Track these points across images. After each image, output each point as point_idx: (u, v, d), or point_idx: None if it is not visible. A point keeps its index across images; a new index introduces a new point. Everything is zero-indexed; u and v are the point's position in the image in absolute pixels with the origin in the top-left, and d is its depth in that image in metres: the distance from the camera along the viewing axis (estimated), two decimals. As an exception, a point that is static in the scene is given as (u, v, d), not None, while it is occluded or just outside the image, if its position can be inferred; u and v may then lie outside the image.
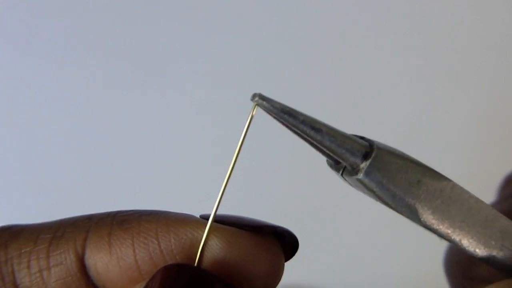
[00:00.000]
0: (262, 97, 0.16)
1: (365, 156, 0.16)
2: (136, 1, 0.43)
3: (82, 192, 0.45)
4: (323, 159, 0.18)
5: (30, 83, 0.44)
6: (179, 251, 0.17)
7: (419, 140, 0.42)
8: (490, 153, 0.43)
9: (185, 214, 0.17)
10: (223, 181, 0.17)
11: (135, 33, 0.43)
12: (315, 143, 0.16)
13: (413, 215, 0.17)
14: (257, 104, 0.16)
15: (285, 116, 0.16)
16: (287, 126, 0.17)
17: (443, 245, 0.43)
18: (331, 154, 0.17)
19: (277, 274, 0.17)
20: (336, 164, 0.18)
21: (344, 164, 0.17)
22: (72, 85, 0.44)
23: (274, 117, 0.16)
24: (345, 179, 0.18)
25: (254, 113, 0.16)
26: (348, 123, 0.41)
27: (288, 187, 0.43)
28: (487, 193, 0.42)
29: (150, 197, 0.43)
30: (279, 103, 0.16)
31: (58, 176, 0.45)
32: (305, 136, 0.17)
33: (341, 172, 0.17)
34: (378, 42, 0.42)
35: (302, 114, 0.16)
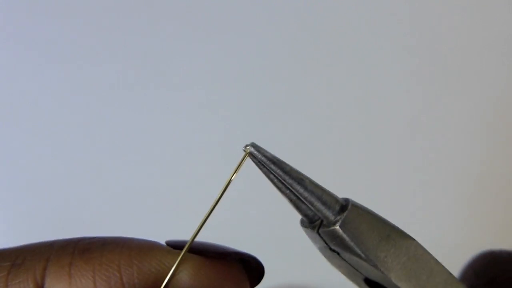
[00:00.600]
0: (254, 146, 0.18)
1: (341, 210, 0.18)
2: (138, 1, 0.43)
3: (81, 191, 0.42)
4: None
5: (30, 82, 0.43)
6: (143, 284, 0.16)
7: (418, 141, 0.42)
8: (490, 154, 0.42)
9: (151, 242, 0.17)
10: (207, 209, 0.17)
11: (134, 33, 0.43)
12: (296, 195, 0.18)
13: (384, 269, 0.18)
14: (249, 153, 0.18)
15: (273, 166, 0.18)
16: (271, 178, 0.18)
17: (443, 246, 0.37)
18: (309, 206, 0.18)
19: None
20: (310, 223, 0.19)
21: (320, 217, 0.18)
22: (70, 85, 0.43)
23: (261, 168, 0.18)
24: (319, 238, 0.19)
25: (243, 162, 0.18)
26: (347, 124, 0.41)
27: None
28: (487, 194, 0.41)
29: (148, 196, 0.41)
30: (270, 153, 0.18)
31: (57, 176, 0.43)
32: (287, 188, 0.18)
33: (317, 228, 0.19)
34: (377, 42, 0.43)
35: (288, 166, 0.18)
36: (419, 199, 0.43)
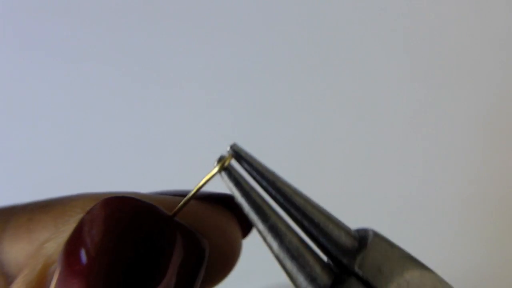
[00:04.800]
0: (237, 155, 0.12)
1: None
2: (139, 1, 0.43)
3: (82, 189, 0.40)
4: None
5: (31, 82, 0.43)
6: None
7: (416, 141, 0.42)
8: (489, 155, 0.42)
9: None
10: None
11: (135, 33, 0.43)
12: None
13: None
14: (223, 169, 0.12)
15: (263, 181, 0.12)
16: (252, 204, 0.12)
17: (442, 245, 0.39)
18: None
19: (234, 241, 0.14)
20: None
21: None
22: (69, 84, 0.43)
23: (239, 189, 0.12)
24: None
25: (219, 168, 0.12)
26: (346, 124, 0.41)
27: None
28: (486, 195, 0.41)
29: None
30: (268, 171, 0.12)
31: (58, 174, 0.42)
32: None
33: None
34: (376, 42, 0.42)
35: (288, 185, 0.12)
36: (419, 199, 0.41)
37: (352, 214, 0.40)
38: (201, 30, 0.42)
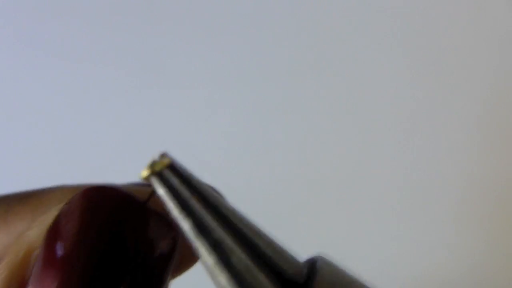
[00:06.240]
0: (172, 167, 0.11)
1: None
2: (139, 1, 0.43)
3: None
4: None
5: (31, 82, 0.44)
6: None
7: (415, 142, 0.42)
8: (488, 156, 0.42)
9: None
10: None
11: (136, 33, 0.43)
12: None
13: None
14: (155, 173, 0.11)
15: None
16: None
17: (443, 246, 0.39)
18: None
19: None
20: None
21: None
22: (69, 84, 0.43)
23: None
24: None
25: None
26: (343, 125, 0.42)
27: (285, 187, 0.41)
28: (485, 196, 0.41)
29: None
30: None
31: (59, 175, 0.41)
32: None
33: None
34: (374, 42, 0.42)
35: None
36: (418, 199, 0.41)
37: (350, 218, 0.40)
38: (200, 31, 0.43)
